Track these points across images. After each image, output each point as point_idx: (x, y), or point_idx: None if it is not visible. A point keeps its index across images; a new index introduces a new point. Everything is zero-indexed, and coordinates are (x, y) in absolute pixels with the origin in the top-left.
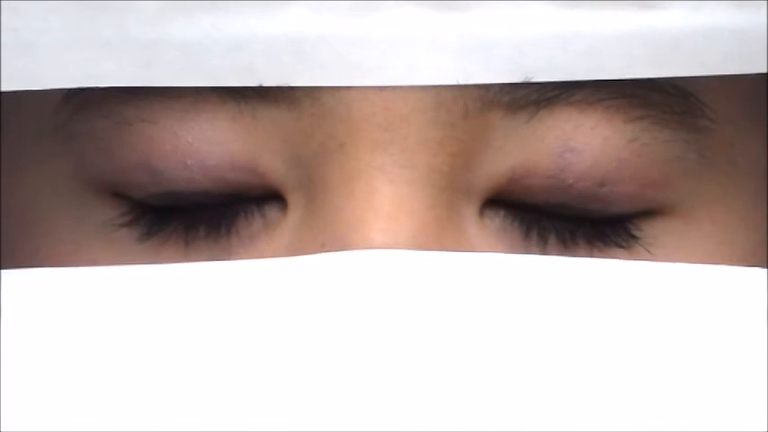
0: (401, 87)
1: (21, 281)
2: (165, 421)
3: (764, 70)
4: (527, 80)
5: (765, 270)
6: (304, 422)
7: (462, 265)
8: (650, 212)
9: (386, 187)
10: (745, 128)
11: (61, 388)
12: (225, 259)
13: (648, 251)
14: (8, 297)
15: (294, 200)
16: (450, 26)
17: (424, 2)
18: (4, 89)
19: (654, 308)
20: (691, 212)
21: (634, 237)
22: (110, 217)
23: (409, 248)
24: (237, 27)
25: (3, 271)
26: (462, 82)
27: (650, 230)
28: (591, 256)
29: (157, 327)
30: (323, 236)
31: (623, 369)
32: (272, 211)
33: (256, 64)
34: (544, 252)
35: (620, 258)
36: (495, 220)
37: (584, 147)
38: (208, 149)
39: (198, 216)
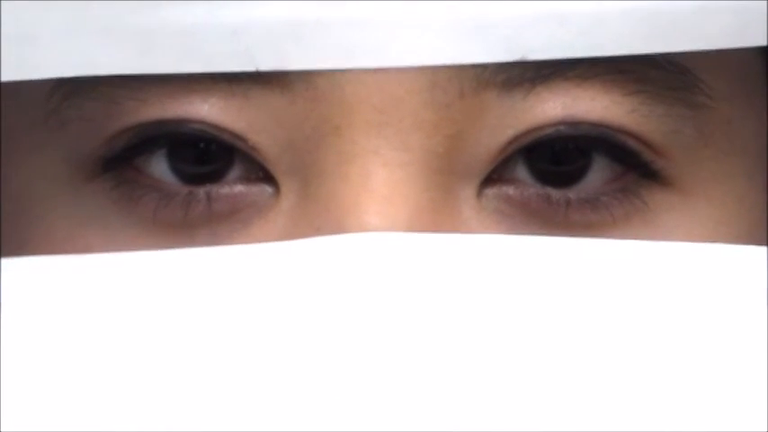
0: (396, 69)
1: (21, 269)
2: (165, 408)
3: (763, 43)
4: (523, 59)
5: (765, 248)
6: (301, 407)
7: (458, 247)
8: (650, 176)
9: (380, 170)
10: (742, 107)
11: (61, 375)
12: (219, 244)
13: (647, 224)
14: (8, 285)
15: (287, 184)
16: (448, 6)
17: None
18: (3, 79)
19: (654, 287)
20: (688, 189)
21: (634, 204)
22: (102, 190)
23: (405, 231)
24: (234, 13)
25: (3, 259)
26: (459, 62)
27: (652, 203)
28: (589, 225)
29: (155, 313)
30: (318, 220)
31: (623, 350)
32: (263, 196)
33: (253, 49)
34: (544, 227)
35: (620, 229)
36: (493, 201)
37: (585, 114)
38: (197, 119)
39: (192, 200)
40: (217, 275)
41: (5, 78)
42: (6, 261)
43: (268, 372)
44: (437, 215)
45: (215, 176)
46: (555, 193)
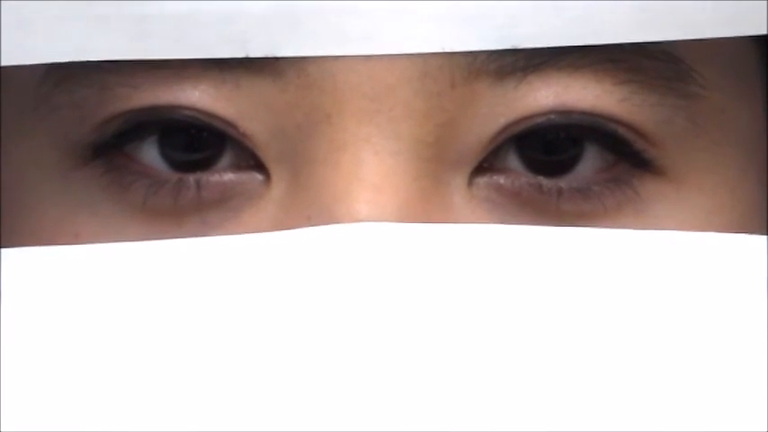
0: (388, 57)
1: (18, 259)
2: (159, 396)
3: (759, 32)
4: (515, 47)
5: (765, 237)
6: (293, 397)
7: (448, 237)
8: (642, 165)
9: (372, 158)
10: (736, 96)
11: (57, 365)
12: (211, 233)
13: (639, 213)
14: (8, 276)
15: (277, 172)
16: None
17: None
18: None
19: (647, 277)
20: (680, 179)
21: (625, 194)
22: (92, 177)
23: (395, 220)
24: None
25: (2, 250)
26: (451, 50)
27: (644, 192)
28: (580, 215)
29: (150, 303)
30: (308, 208)
31: (617, 341)
32: (254, 183)
33: (247, 35)
34: (536, 217)
35: (612, 219)
36: (484, 190)
37: (576, 103)
38: (188, 106)
39: (182, 187)
40: (208, 266)
41: (1, 63)
42: (6, 251)
43: (259, 362)
44: (427, 204)
45: (205, 164)
46: (546, 182)
